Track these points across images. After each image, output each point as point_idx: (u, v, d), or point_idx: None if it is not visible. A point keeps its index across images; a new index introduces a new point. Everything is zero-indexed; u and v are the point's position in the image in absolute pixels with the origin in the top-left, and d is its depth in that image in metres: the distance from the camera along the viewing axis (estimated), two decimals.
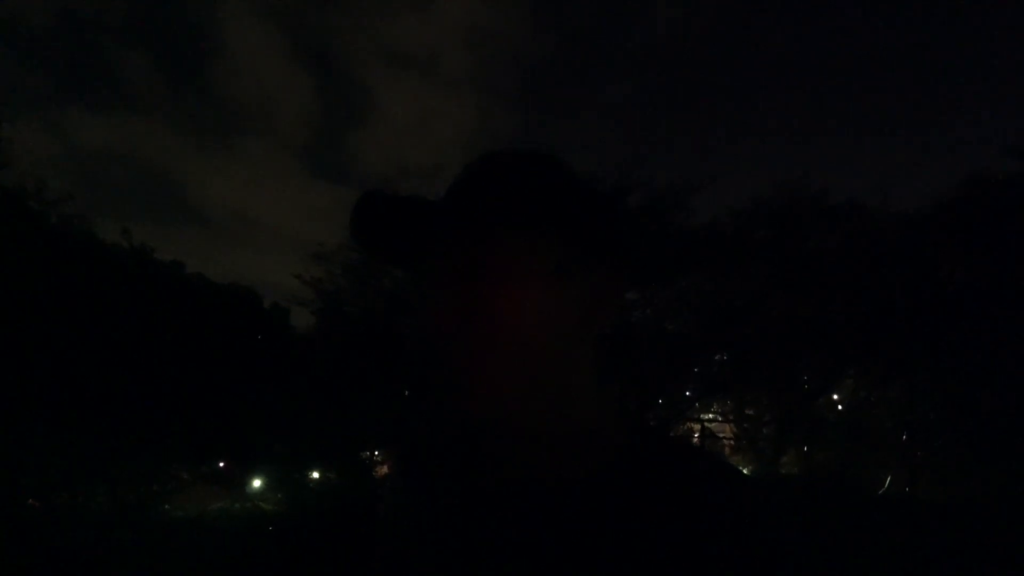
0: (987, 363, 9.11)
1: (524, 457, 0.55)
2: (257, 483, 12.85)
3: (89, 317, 9.48)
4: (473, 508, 0.56)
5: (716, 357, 13.67)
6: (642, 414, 12.13)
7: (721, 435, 13.11)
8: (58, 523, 8.15)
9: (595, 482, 0.51)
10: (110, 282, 9.81)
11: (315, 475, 12.81)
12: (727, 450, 12.88)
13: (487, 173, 0.55)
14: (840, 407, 12.09)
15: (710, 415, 13.64)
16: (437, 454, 0.65)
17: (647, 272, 13.05)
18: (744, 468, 11.88)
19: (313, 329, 13.63)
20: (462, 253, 0.53)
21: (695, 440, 13.02)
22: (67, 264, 8.79)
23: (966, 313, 9.25)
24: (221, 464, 13.06)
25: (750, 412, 12.48)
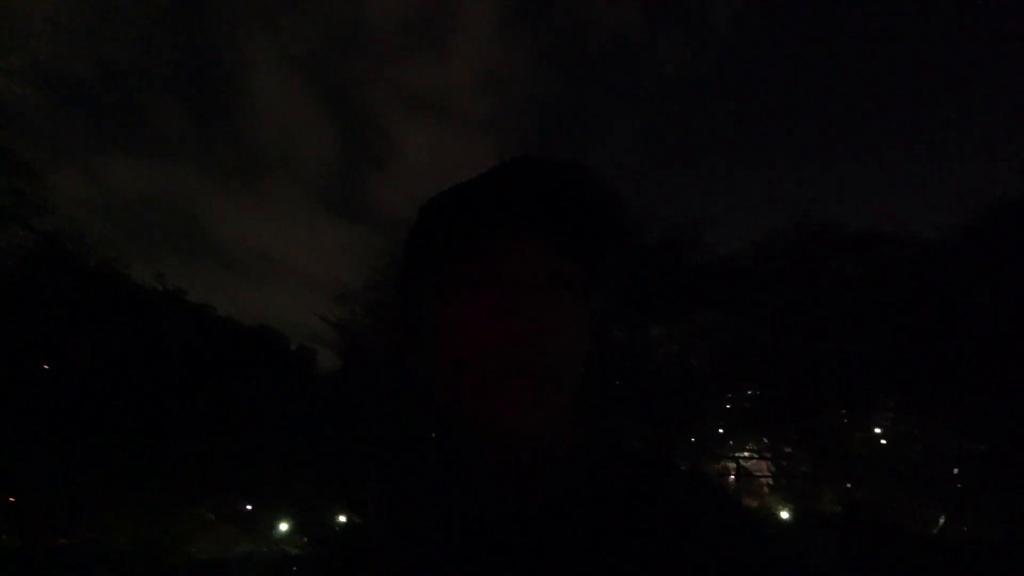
0: None
1: (522, 475, 0.54)
2: (284, 527, 12.78)
3: (123, 357, 9.88)
4: (463, 528, 0.56)
5: (748, 392, 13.29)
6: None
7: (758, 474, 12.49)
8: (83, 561, 8.23)
9: (577, 499, 0.51)
10: (145, 324, 10.25)
11: (342, 519, 12.68)
12: (765, 489, 12.25)
13: (585, 187, 0.53)
14: (883, 441, 11.45)
15: (745, 452, 13.08)
16: (430, 476, 0.63)
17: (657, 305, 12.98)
18: (782, 507, 11.27)
19: (338, 370, 13.82)
20: (546, 264, 0.52)
21: (731, 479, 12.47)
22: (104, 307, 9.27)
23: (1003, 338, 8.85)
24: (248, 507, 13.09)
25: (787, 449, 11.93)
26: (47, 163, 8.50)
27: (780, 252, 12.53)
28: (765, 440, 12.68)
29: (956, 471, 10.62)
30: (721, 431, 13.19)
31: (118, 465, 9.12)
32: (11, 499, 8.25)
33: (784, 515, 10.76)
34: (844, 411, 11.53)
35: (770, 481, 12.07)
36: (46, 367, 8.96)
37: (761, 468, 12.68)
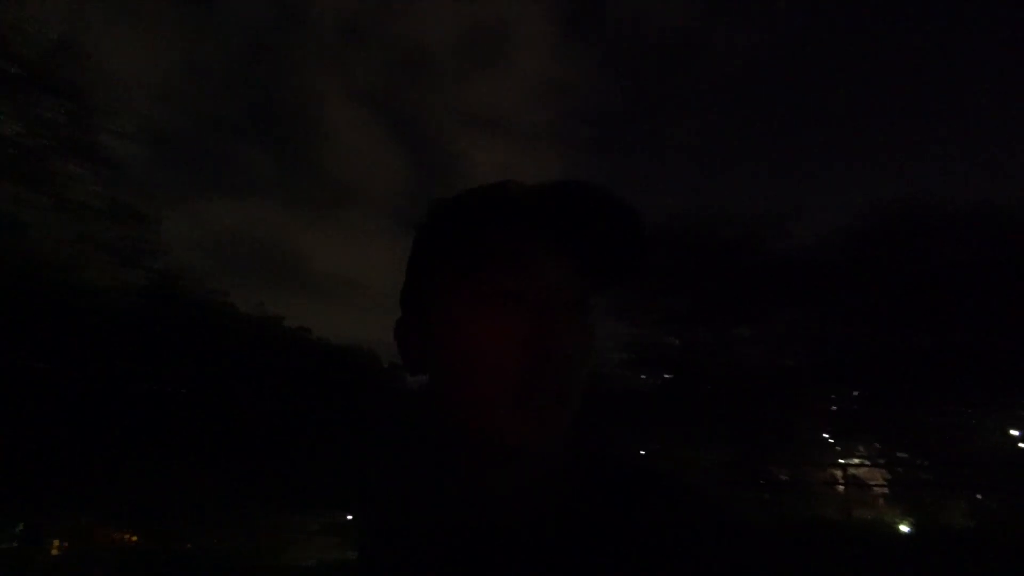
0: None
1: (517, 488, 0.54)
2: None
3: (233, 380, 10.95)
4: (455, 539, 0.55)
5: (855, 392, 12.09)
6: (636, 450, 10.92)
7: (872, 483, 11.27)
8: (199, 564, 9.14)
9: (562, 511, 0.51)
10: (248, 349, 11.32)
11: None
12: (879, 500, 11.02)
13: (620, 214, 0.52)
14: (1022, 445, 9.90)
15: (855, 460, 11.88)
16: (425, 485, 0.63)
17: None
18: (900, 521, 10.09)
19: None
20: (578, 284, 0.52)
21: (840, 489, 11.39)
22: (214, 335, 10.36)
23: None
24: (348, 516, 13.91)
25: (903, 455, 10.66)
26: (157, 210, 9.72)
27: (875, 237, 11.37)
28: (877, 445, 11.44)
29: None
30: (826, 436, 12.11)
31: (232, 477, 10.10)
32: (141, 507, 9.44)
33: (904, 529, 9.61)
34: (970, 410, 10.14)
35: (885, 491, 10.85)
36: (168, 390, 10.12)
37: (875, 477, 11.43)
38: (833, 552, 7.88)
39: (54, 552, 9.65)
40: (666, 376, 13.32)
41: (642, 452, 13.15)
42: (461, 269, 0.53)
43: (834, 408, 12.21)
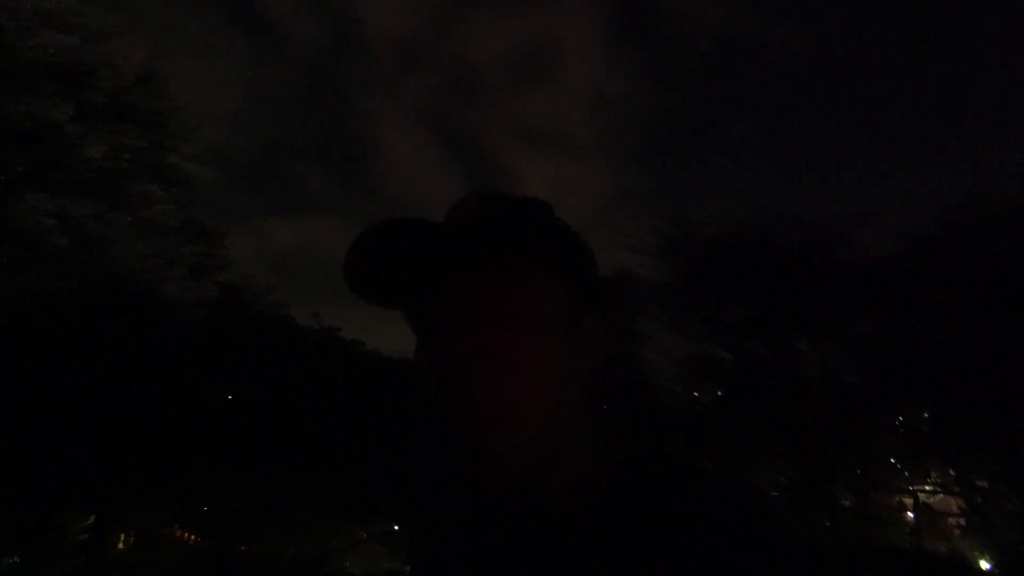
0: None
1: (517, 504, 0.53)
2: None
3: (290, 389, 11.47)
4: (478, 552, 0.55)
5: (925, 413, 11.32)
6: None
7: (946, 512, 10.45)
8: (256, 566, 9.57)
9: (583, 526, 0.50)
10: (305, 358, 11.85)
11: None
12: (955, 531, 10.19)
13: (510, 215, 0.54)
14: None
15: (927, 486, 11.08)
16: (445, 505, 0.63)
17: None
18: (979, 555, 9.34)
19: None
20: (485, 295, 0.51)
21: (909, 516, 10.67)
22: (273, 345, 10.94)
23: None
24: (396, 527, 14.18)
25: (982, 483, 9.84)
26: (224, 228, 10.42)
27: (948, 240, 10.69)
28: (952, 472, 10.65)
29: None
30: (893, 460, 11.36)
31: (288, 484, 10.54)
32: (204, 508, 10.02)
33: (984, 565, 8.88)
34: None
35: (962, 521, 10.04)
36: (229, 398, 10.71)
37: (950, 506, 10.61)
38: None
39: (120, 546, 10.36)
40: (719, 392, 12.93)
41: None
42: (393, 302, 0.55)
43: (903, 429, 11.49)
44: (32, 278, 9.07)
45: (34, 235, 8.75)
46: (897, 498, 10.93)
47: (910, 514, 10.55)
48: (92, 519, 9.66)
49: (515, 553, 0.51)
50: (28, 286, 9.10)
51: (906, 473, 11.10)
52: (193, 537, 10.82)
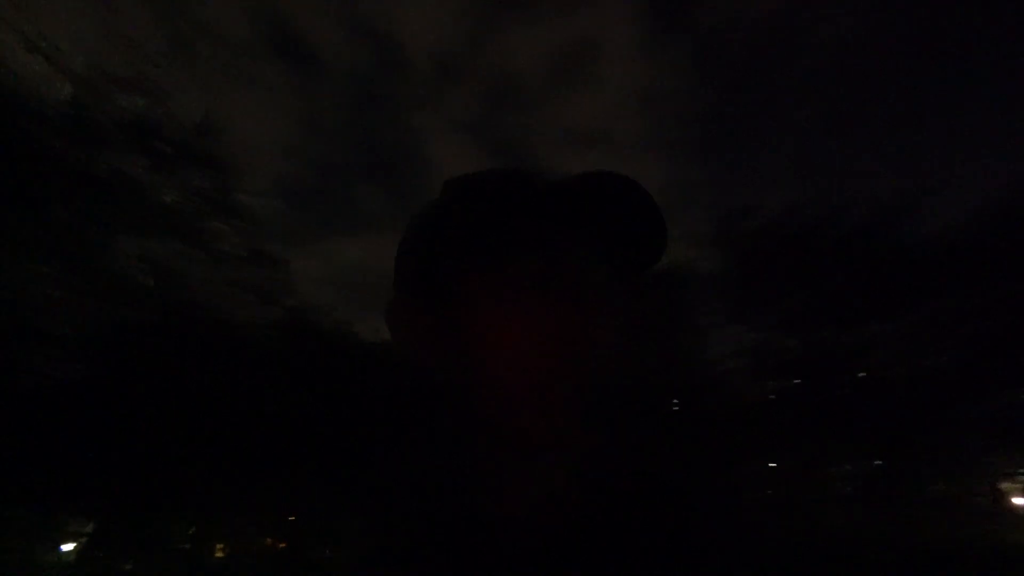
0: None
1: (544, 480, 0.53)
2: None
3: (357, 402, 12.17)
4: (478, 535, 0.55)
5: (1017, 396, 10.60)
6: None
7: None
8: (336, 571, 10.29)
9: (587, 511, 0.51)
10: (368, 371, 12.52)
11: None
12: None
13: (641, 207, 0.53)
14: None
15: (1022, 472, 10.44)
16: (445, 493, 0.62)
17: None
18: None
19: None
20: (558, 269, 0.50)
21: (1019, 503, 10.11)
22: (336, 358, 11.66)
23: None
24: None
25: None
26: (289, 253, 11.19)
27: None
28: None
29: None
30: (982, 447, 10.72)
31: (360, 493, 11.24)
32: (291, 517, 10.92)
33: None
34: None
35: None
36: (302, 414, 11.49)
37: None
38: None
39: (218, 555, 11.45)
40: (795, 382, 12.61)
41: (772, 465, 12.56)
42: (487, 254, 0.52)
43: (991, 413, 10.83)
44: (127, 313, 10.12)
45: (126, 276, 9.76)
46: (986, 488, 10.38)
47: (1002, 506, 10.00)
48: (192, 530, 10.77)
49: (519, 550, 0.52)
50: (125, 320, 10.15)
51: (992, 462, 10.50)
52: (282, 544, 11.78)
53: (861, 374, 11.35)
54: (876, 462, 10.74)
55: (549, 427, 0.49)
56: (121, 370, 10.10)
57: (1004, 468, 10.41)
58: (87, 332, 9.76)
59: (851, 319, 12.05)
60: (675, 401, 12.10)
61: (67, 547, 10.33)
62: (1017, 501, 10.09)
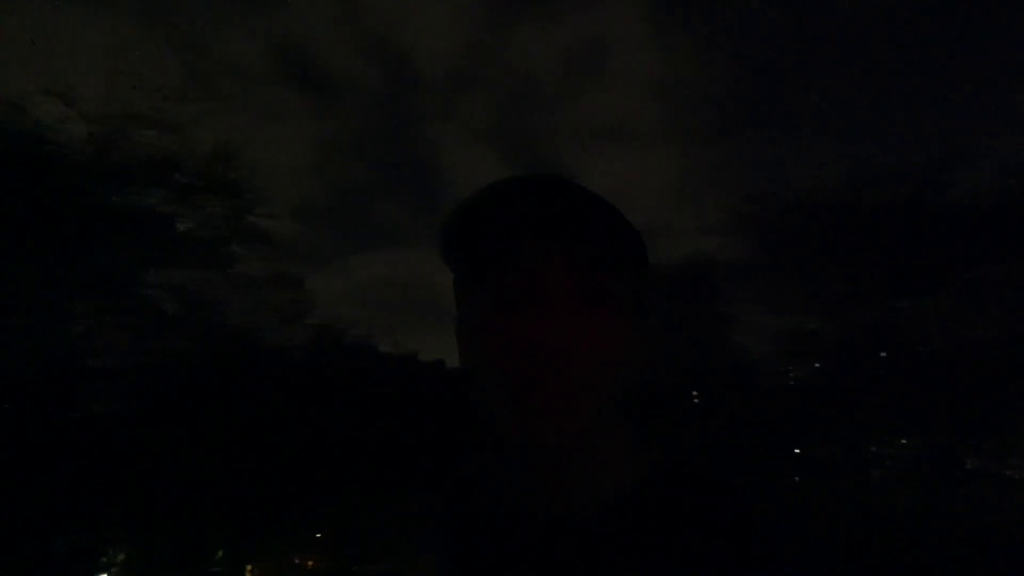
0: None
1: (569, 482, 0.55)
2: None
3: (370, 409, 12.33)
4: (512, 533, 0.58)
5: None
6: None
7: None
8: None
9: (618, 515, 0.53)
10: (384, 382, 12.70)
11: None
12: None
13: (604, 206, 0.54)
14: None
15: None
16: (481, 485, 0.65)
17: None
18: None
19: None
20: (579, 279, 0.52)
21: None
22: (357, 373, 11.88)
23: None
24: None
25: None
26: (309, 273, 11.48)
27: None
28: None
29: None
30: None
31: (391, 505, 11.37)
32: (317, 535, 11.11)
33: None
34: None
35: None
36: (326, 428, 11.72)
37: None
38: None
39: None
40: (819, 365, 12.32)
41: (796, 451, 12.26)
42: (470, 271, 0.57)
43: None
44: (152, 343, 10.51)
45: (148, 306, 10.14)
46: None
47: None
48: (220, 554, 11.04)
49: (549, 553, 0.54)
50: (153, 349, 10.53)
51: None
52: (311, 563, 11.95)
53: (883, 354, 11.00)
54: (928, 439, 10.35)
55: (528, 430, 0.51)
56: (154, 399, 10.51)
57: None
58: (124, 365, 10.18)
59: (884, 296, 11.72)
60: (695, 393, 11.93)
61: None
62: None
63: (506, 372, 0.52)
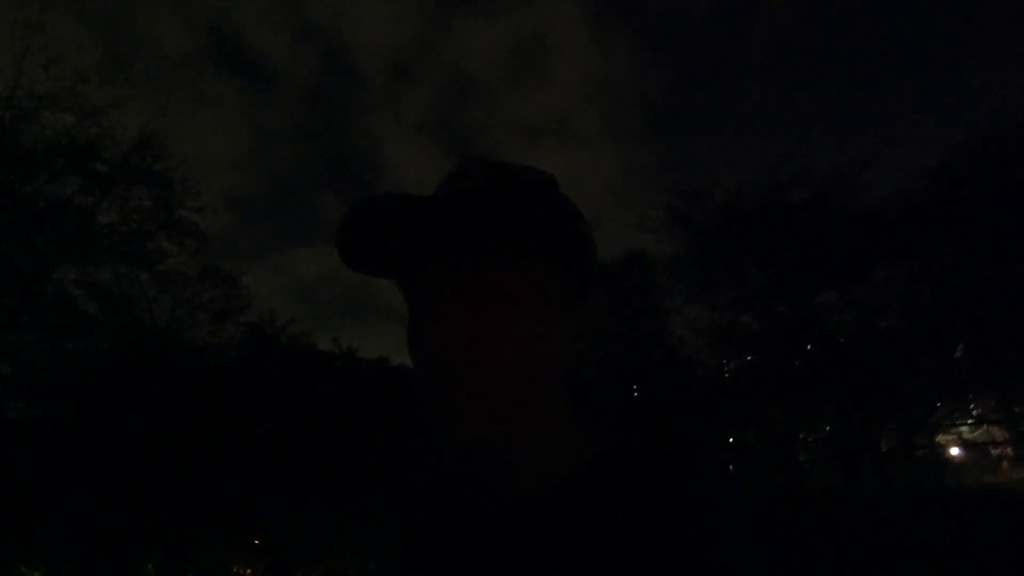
0: None
1: (505, 477, 0.56)
2: None
3: (311, 409, 12.15)
4: (463, 528, 0.58)
5: (960, 349, 11.57)
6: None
7: (991, 444, 10.74)
8: None
9: (563, 498, 0.53)
10: (325, 381, 12.53)
11: None
12: (1003, 463, 10.51)
13: (513, 190, 0.54)
14: None
15: (969, 421, 11.37)
16: (435, 483, 0.65)
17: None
18: None
19: None
20: (481, 274, 0.51)
21: (955, 454, 11.01)
22: (295, 372, 11.67)
23: None
24: None
25: (1019, 409, 10.08)
26: (244, 268, 11.12)
27: (966, 172, 10.77)
28: (993, 404, 10.93)
29: None
30: (940, 404, 11.62)
31: (337, 508, 11.29)
32: (256, 541, 10.88)
33: None
34: None
35: (1008, 451, 10.35)
36: (268, 428, 11.46)
37: (996, 436, 10.92)
38: (958, 519, 7.78)
39: None
40: (749, 357, 13.31)
41: (731, 440, 13.23)
42: (396, 272, 0.56)
43: (940, 367, 11.73)
44: (69, 344, 9.87)
45: (65, 304, 9.52)
46: (944, 437, 11.26)
47: (955, 451, 10.89)
48: (150, 564, 10.55)
49: (501, 547, 0.54)
50: (67, 351, 9.89)
51: (954, 414, 11.37)
52: (250, 570, 11.71)
53: (808, 347, 12.05)
54: (842, 421, 11.45)
55: (490, 433, 0.51)
56: (69, 404, 9.89)
57: (943, 422, 11.27)
58: (32, 368, 9.50)
59: (806, 291, 12.77)
60: (634, 387, 12.58)
61: None
62: (953, 452, 10.98)
63: (422, 374, 0.53)
